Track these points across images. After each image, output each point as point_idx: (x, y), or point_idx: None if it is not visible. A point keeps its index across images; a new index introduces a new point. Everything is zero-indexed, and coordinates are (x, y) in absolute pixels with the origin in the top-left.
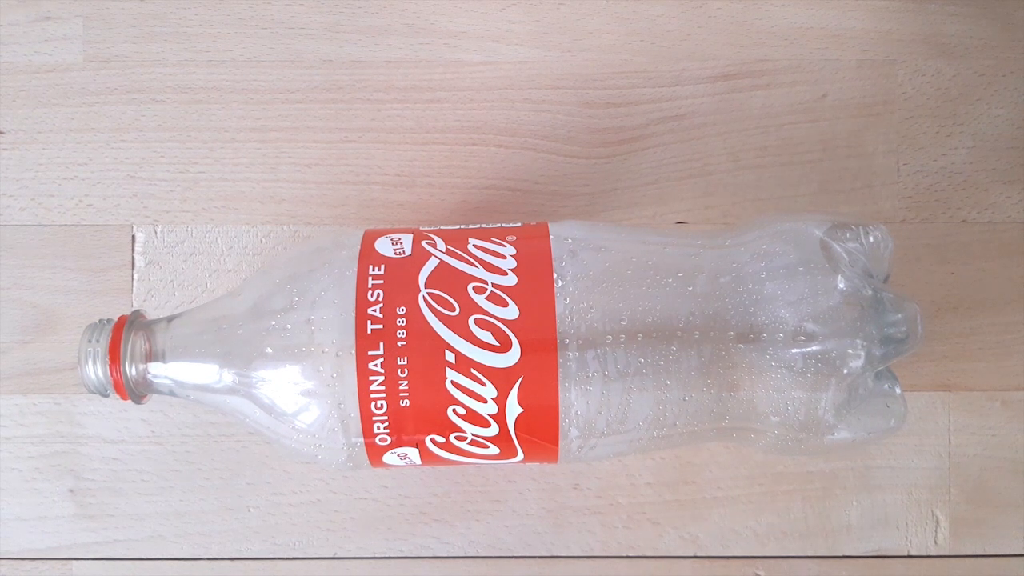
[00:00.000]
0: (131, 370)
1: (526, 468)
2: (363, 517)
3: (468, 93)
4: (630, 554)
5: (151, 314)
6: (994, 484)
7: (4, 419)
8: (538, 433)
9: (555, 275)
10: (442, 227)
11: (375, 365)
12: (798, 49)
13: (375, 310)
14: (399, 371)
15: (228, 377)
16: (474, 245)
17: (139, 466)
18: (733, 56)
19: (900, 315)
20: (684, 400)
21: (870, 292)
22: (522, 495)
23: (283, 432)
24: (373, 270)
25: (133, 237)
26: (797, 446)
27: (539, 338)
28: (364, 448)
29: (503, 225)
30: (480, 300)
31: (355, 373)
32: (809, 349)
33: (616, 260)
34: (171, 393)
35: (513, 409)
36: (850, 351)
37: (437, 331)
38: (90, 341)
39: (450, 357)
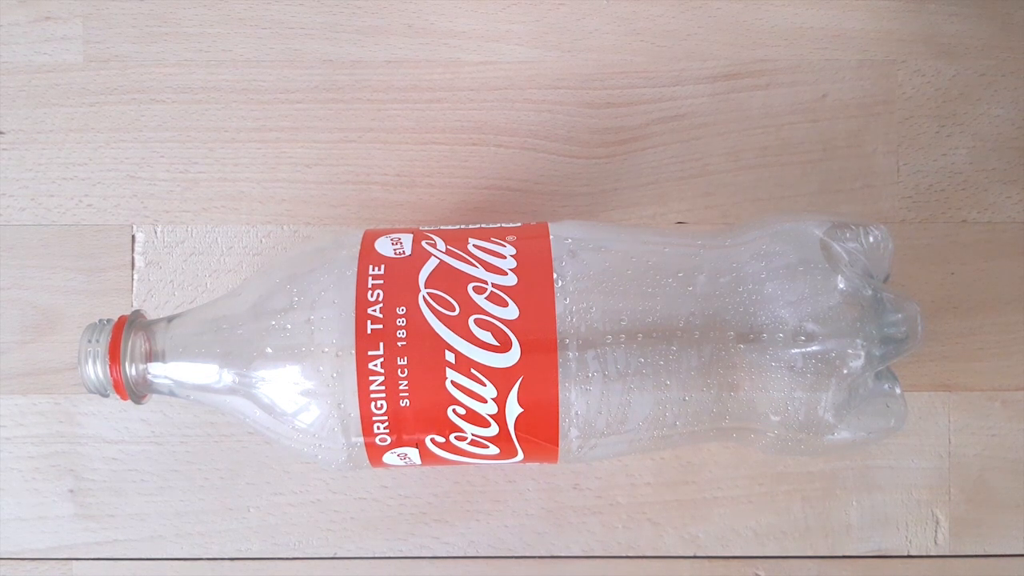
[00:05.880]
0: (131, 370)
1: (526, 468)
2: (363, 517)
3: (468, 93)
4: (630, 554)
5: (151, 314)
6: (994, 484)
7: (4, 419)
8: (538, 433)
9: (555, 275)
10: (442, 227)
11: (375, 365)
12: (798, 49)
13: (375, 310)
14: (399, 371)
15: (228, 377)
16: (474, 245)
17: (139, 466)
18: (733, 56)
19: (900, 315)
20: (684, 400)
21: (870, 292)
22: (522, 495)
23: (283, 432)
24: (373, 270)
25: (133, 237)
26: (797, 446)
27: (539, 338)
28: (364, 448)
29: (503, 225)
30: (480, 300)
31: (355, 373)
32: (809, 349)
33: (616, 260)
34: (171, 393)
35: (513, 409)
36: (850, 351)
37: (437, 331)
38: (90, 341)
39: (450, 357)
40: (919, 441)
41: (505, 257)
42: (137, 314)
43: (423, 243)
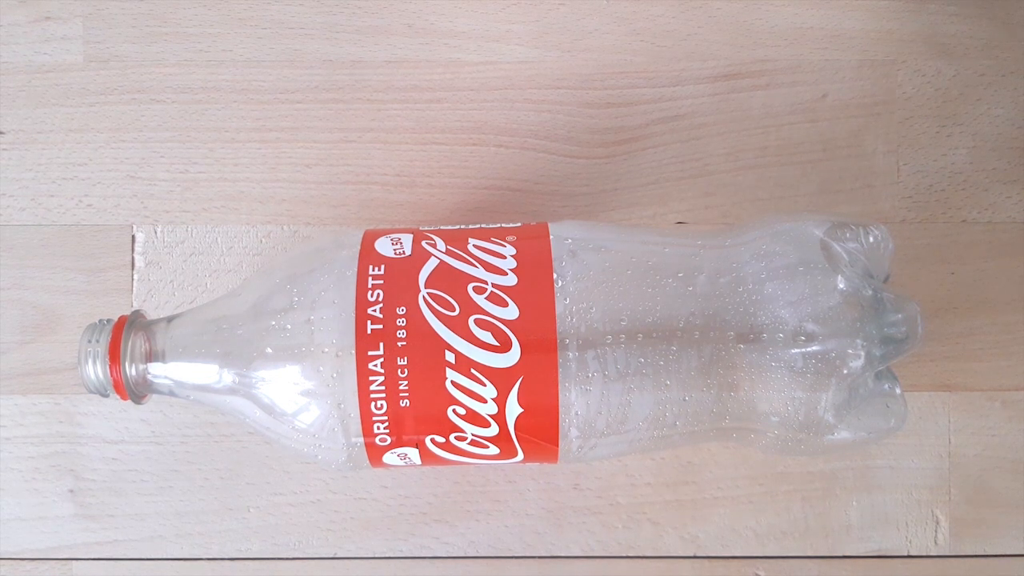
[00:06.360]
0: (131, 370)
1: (526, 468)
2: (363, 517)
3: (468, 93)
4: (630, 554)
5: (151, 314)
6: (994, 484)
7: (4, 419)
8: (538, 433)
9: (555, 275)
10: (442, 227)
11: (375, 365)
12: (798, 49)
13: (375, 310)
14: (399, 371)
15: (228, 377)
16: (474, 245)
17: (139, 466)
18: (733, 56)
19: (900, 315)
20: (684, 400)
21: (870, 292)
22: (522, 495)
23: (283, 432)
24: (373, 270)
25: (133, 237)
26: (797, 446)
27: (539, 338)
28: (364, 448)
29: (503, 225)
30: (480, 300)
31: (355, 373)
32: (809, 349)
33: (616, 260)
34: (171, 393)
35: (513, 409)
36: (850, 351)
37: (437, 331)
38: (90, 341)
39: (450, 357)
40: (919, 441)
41: (505, 257)
42: (137, 314)
43: (423, 243)
